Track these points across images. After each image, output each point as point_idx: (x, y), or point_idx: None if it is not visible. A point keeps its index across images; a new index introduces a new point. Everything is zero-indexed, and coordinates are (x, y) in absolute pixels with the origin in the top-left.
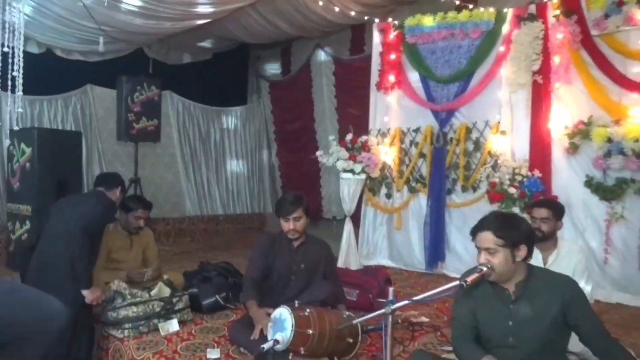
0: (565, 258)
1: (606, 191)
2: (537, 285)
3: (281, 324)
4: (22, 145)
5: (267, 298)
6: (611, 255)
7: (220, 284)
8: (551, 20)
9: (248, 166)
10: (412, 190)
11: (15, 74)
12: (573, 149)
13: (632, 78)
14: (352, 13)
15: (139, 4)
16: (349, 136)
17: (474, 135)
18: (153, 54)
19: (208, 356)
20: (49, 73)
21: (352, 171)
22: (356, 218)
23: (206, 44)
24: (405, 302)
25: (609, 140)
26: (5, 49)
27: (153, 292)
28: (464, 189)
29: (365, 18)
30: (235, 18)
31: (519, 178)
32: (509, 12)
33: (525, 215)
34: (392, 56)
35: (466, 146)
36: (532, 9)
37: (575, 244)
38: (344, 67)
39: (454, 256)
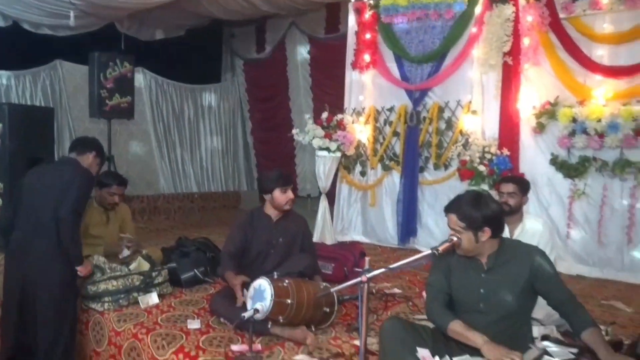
0: (529, 231)
1: (570, 169)
2: (508, 256)
3: (261, 294)
4: None
5: (247, 271)
6: (573, 229)
7: (198, 258)
8: (522, 2)
9: (223, 144)
10: (386, 168)
11: None
12: (540, 129)
13: (596, 60)
14: None
15: None
16: (325, 115)
17: (446, 114)
18: (125, 29)
19: (189, 326)
20: (15, 47)
21: (327, 149)
22: (331, 195)
23: (179, 20)
24: (382, 270)
25: (574, 120)
26: None
27: (132, 267)
28: (436, 166)
29: None
30: None
31: (488, 156)
32: None
33: (493, 192)
34: (367, 36)
35: (438, 125)
36: None
37: (539, 218)
38: (319, 46)
39: (425, 232)
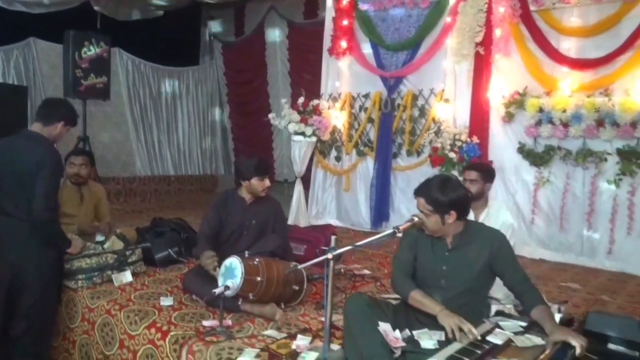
0: (493, 216)
1: (536, 157)
2: (471, 238)
3: (232, 272)
4: None
5: (220, 251)
6: (537, 215)
7: (173, 238)
8: None
9: (200, 128)
10: (361, 154)
11: None
12: (508, 118)
13: (563, 52)
14: None
15: None
16: (301, 100)
17: (420, 102)
18: (101, 8)
19: (161, 303)
20: None
21: (303, 134)
22: (306, 180)
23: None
24: (347, 247)
25: (541, 110)
26: None
27: (106, 246)
28: (409, 153)
29: None
30: None
31: (459, 143)
32: None
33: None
34: (345, 22)
35: (412, 112)
36: None
37: (504, 204)
38: (298, 31)
39: (397, 216)
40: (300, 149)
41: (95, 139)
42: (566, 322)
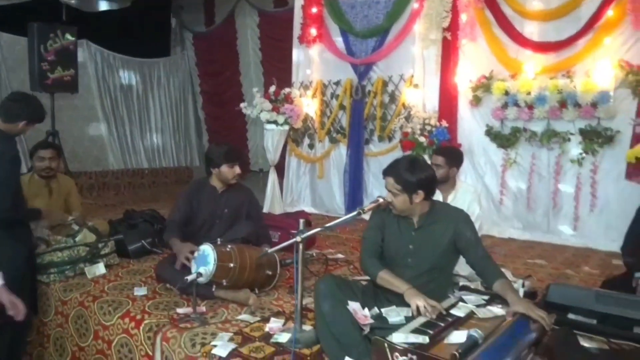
0: (461, 197)
1: (503, 139)
2: (436, 217)
3: (204, 259)
4: None
5: (193, 240)
6: (505, 196)
7: (146, 230)
8: None
9: (173, 119)
10: (333, 141)
11: None
12: (476, 102)
13: (527, 36)
14: None
15: None
16: (272, 88)
17: (390, 88)
18: None
19: (135, 293)
20: None
21: (275, 122)
22: (281, 168)
23: None
24: (315, 230)
25: (506, 93)
26: None
27: (77, 239)
28: (381, 139)
29: None
30: None
31: (428, 128)
32: None
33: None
34: (314, 10)
35: (383, 99)
36: None
37: (470, 185)
38: (269, 20)
39: (371, 202)
40: (273, 138)
41: (65, 134)
42: (529, 295)
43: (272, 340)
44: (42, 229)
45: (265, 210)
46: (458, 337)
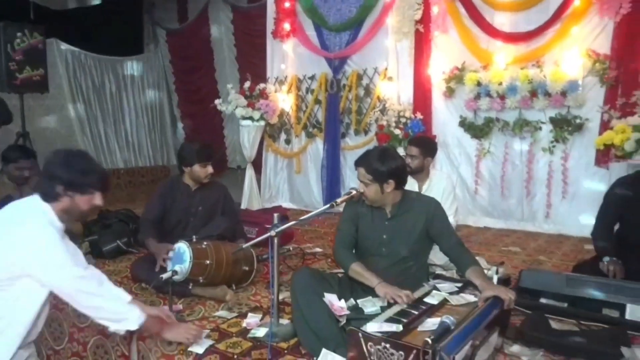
0: (435, 186)
1: (476, 129)
2: (409, 206)
3: (180, 257)
4: None
5: (168, 238)
6: (480, 186)
7: (121, 230)
8: None
9: (149, 118)
10: (310, 135)
11: None
12: (449, 93)
13: (497, 27)
14: None
15: None
16: (247, 84)
17: (365, 81)
18: None
19: None
20: None
21: (251, 118)
22: (258, 164)
23: None
24: (289, 224)
25: (479, 84)
26: None
27: None
28: (357, 132)
29: None
30: None
31: (403, 120)
32: None
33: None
34: (287, 4)
35: (358, 92)
36: None
37: (444, 173)
38: (242, 15)
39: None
40: (249, 134)
41: (37, 135)
42: (503, 282)
43: (249, 335)
44: None
45: (243, 206)
46: (431, 324)
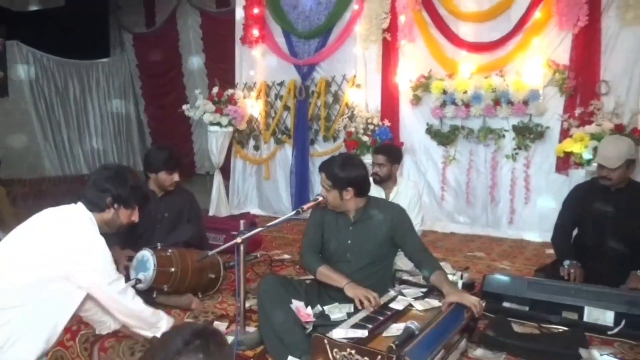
0: (402, 194)
1: (442, 137)
2: (372, 212)
3: (143, 265)
4: None
5: (134, 246)
6: (446, 192)
7: None
8: None
9: (114, 123)
10: (279, 142)
11: None
12: (416, 101)
13: (462, 37)
14: None
15: None
16: (215, 89)
17: (333, 88)
18: None
19: None
20: None
21: (219, 124)
22: (226, 170)
23: None
24: (255, 230)
25: (444, 92)
26: None
27: None
28: (325, 138)
29: None
30: None
31: (371, 127)
32: None
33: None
34: (256, 10)
35: (326, 99)
36: None
37: (411, 181)
38: (211, 21)
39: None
40: (217, 140)
41: None
42: (467, 287)
43: None
44: None
45: (211, 213)
46: (396, 329)
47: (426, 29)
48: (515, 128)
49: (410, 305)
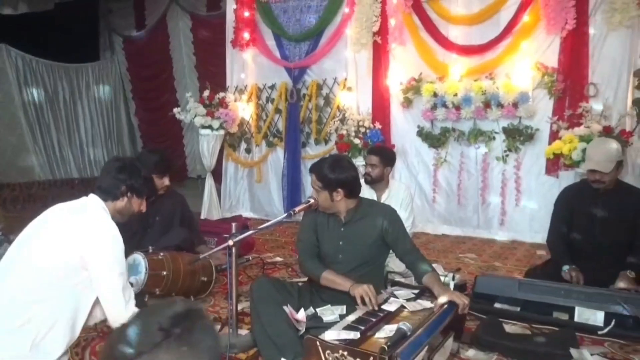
0: (394, 196)
1: (433, 139)
2: (364, 213)
3: (135, 269)
4: None
5: (125, 250)
6: (438, 194)
7: None
8: None
9: (105, 126)
10: (270, 145)
11: None
12: (407, 103)
13: (452, 40)
14: None
15: None
16: (206, 93)
17: (324, 91)
18: None
19: None
20: None
21: (210, 127)
22: (218, 174)
23: None
24: (247, 233)
25: (435, 94)
26: None
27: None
28: (317, 141)
29: None
30: None
31: (363, 130)
32: None
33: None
34: (246, 13)
35: (318, 102)
36: None
37: (403, 184)
38: (202, 24)
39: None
40: (208, 143)
41: None
42: (459, 288)
43: None
44: None
45: (202, 216)
46: (388, 331)
47: (416, 32)
48: (505, 130)
49: (403, 306)
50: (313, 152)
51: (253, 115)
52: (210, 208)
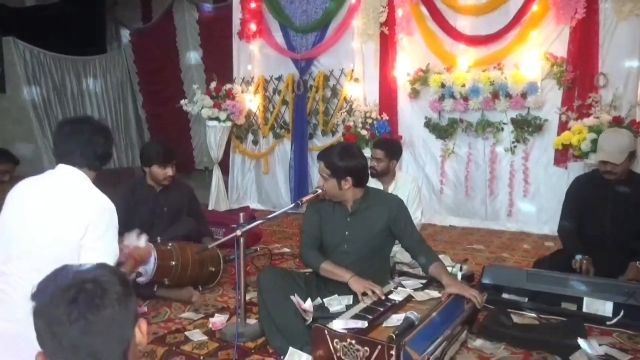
0: (401, 188)
1: (441, 130)
2: (370, 203)
3: None
4: None
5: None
6: (445, 185)
7: None
8: None
9: (112, 119)
10: (277, 136)
11: None
12: (414, 94)
13: (460, 30)
14: None
15: None
16: (213, 84)
17: (331, 82)
18: None
19: None
20: None
21: (217, 119)
22: (225, 165)
23: None
24: (255, 223)
25: (442, 85)
26: None
27: None
28: (324, 133)
29: None
30: None
31: (370, 121)
32: None
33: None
34: (253, 5)
35: (324, 93)
36: None
37: (410, 175)
38: (208, 16)
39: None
40: (215, 135)
41: None
42: (467, 278)
43: (216, 336)
44: None
45: (210, 207)
46: (396, 320)
47: (424, 23)
48: (513, 121)
49: (410, 296)
50: (320, 144)
51: (260, 106)
52: (217, 200)
